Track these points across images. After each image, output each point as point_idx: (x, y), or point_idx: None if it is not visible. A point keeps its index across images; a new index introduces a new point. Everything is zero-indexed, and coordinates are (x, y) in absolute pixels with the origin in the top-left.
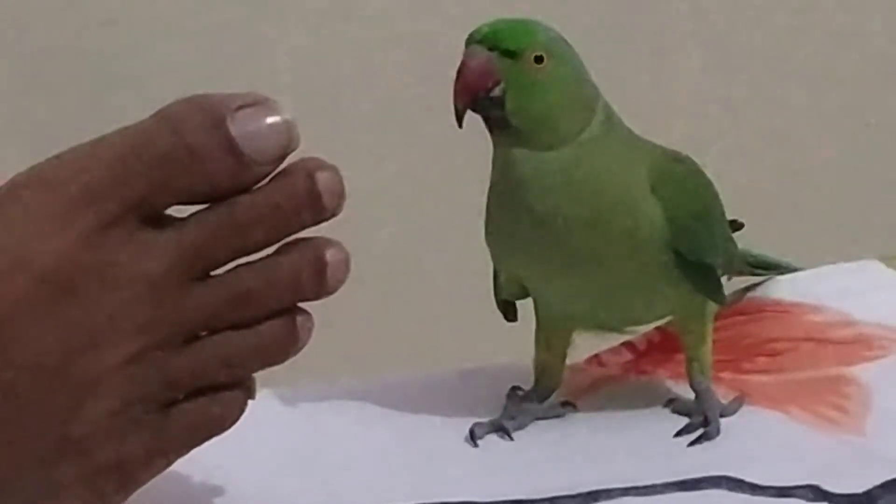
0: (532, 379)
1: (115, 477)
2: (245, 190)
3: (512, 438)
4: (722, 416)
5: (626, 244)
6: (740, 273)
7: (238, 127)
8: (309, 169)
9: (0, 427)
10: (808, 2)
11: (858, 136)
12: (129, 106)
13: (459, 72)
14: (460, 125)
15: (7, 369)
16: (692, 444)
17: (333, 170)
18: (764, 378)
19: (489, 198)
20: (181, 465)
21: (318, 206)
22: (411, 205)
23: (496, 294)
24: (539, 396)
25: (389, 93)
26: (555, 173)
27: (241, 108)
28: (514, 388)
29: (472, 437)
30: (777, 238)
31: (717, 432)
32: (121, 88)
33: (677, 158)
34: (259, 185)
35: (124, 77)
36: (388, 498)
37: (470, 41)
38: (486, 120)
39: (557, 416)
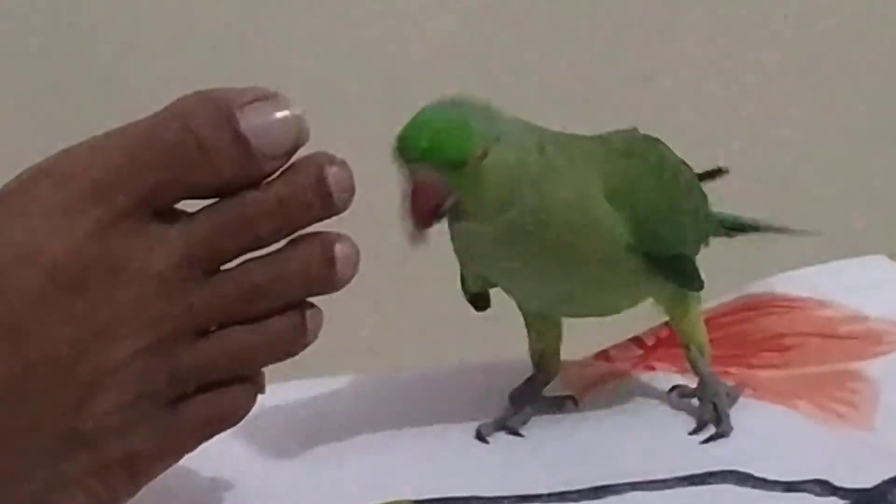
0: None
1: (124, 471)
2: (254, 184)
3: (521, 434)
4: (727, 396)
5: (594, 259)
6: (716, 235)
7: (247, 121)
8: (318, 163)
9: (10, 420)
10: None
11: (865, 133)
12: (136, 102)
13: (411, 200)
14: (423, 241)
15: (17, 363)
16: (706, 441)
17: (343, 164)
18: (772, 373)
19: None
20: (190, 460)
21: (328, 201)
22: None
23: (463, 289)
24: (538, 384)
25: (398, 88)
26: (511, 232)
27: (250, 102)
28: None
29: (481, 437)
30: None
31: (731, 429)
32: (126, 85)
33: (628, 152)
34: (268, 179)
35: (129, 74)
36: (394, 493)
37: (408, 157)
38: None
39: (558, 411)
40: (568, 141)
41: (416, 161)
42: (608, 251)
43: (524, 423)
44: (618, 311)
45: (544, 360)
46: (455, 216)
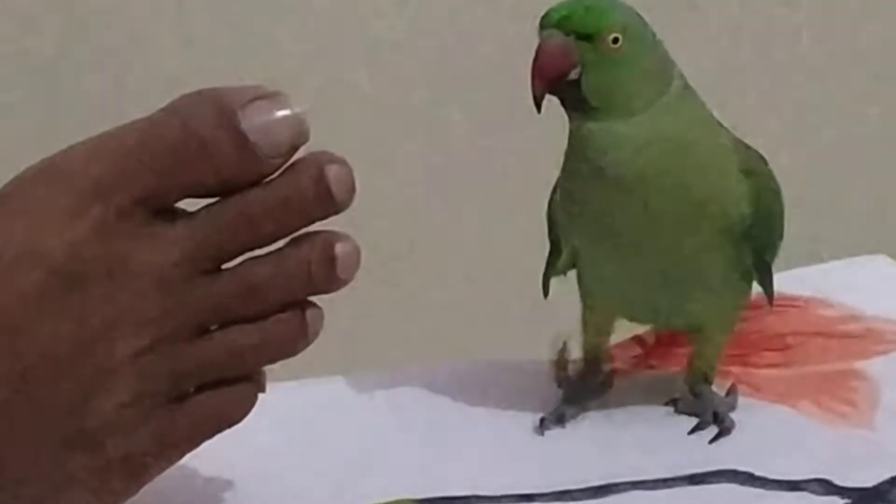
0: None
1: (125, 470)
2: (255, 183)
3: (564, 426)
4: (730, 411)
5: (706, 211)
6: None
7: (248, 120)
8: (319, 162)
9: (11, 420)
10: None
11: (865, 132)
12: (136, 102)
13: (536, 56)
14: (539, 110)
15: (17, 362)
16: (712, 441)
17: (343, 163)
18: (773, 372)
19: (563, 171)
20: (191, 459)
21: (329, 200)
22: (420, 198)
23: (546, 273)
24: (593, 377)
25: (399, 86)
26: (635, 138)
27: (251, 101)
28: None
29: (544, 428)
30: (786, 235)
31: (734, 426)
32: (126, 85)
33: (761, 156)
34: (269, 178)
35: (129, 73)
36: (397, 491)
37: (545, 24)
38: (562, 100)
39: (604, 393)
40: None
41: (551, 27)
42: (724, 222)
43: (576, 416)
44: (678, 316)
45: (597, 354)
46: (581, 108)
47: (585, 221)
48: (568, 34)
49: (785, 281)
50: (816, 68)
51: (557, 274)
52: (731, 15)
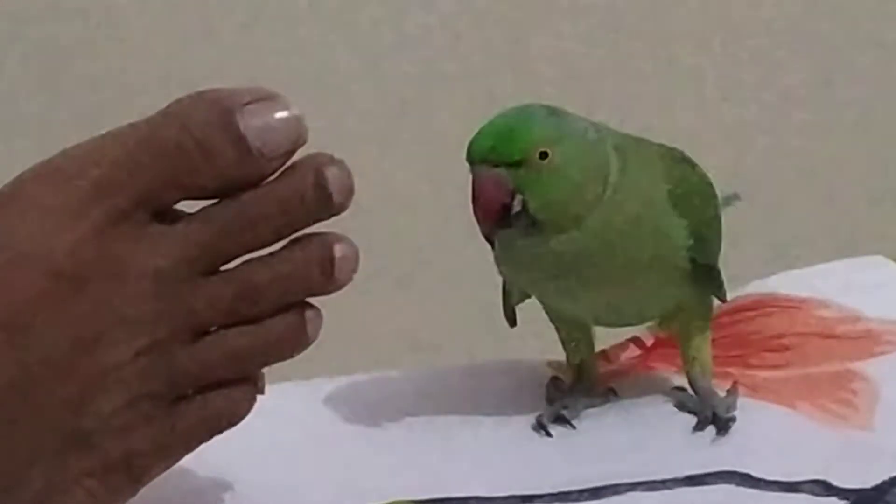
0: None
1: (124, 471)
2: (254, 185)
3: (574, 427)
4: (726, 410)
5: (655, 265)
6: None
7: (247, 122)
8: (317, 164)
9: (10, 421)
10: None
11: (865, 132)
12: (136, 103)
13: (474, 199)
14: (493, 246)
15: (17, 363)
16: (711, 441)
17: (342, 165)
18: (771, 373)
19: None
20: (190, 460)
21: (327, 202)
22: (419, 200)
23: (505, 303)
24: (581, 390)
25: (397, 88)
26: (589, 245)
27: (250, 103)
28: (555, 379)
29: (542, 426)
30: (785, 235)
31: (733, 427)
32: (126, 86)
33: (683, 158)
34: (268, 180)
35: (129, 74)
36: (396, 491)
37: (472, 160)
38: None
39: (605, 403)
40: (636, 144)
41: (479, 162)
42: (671, 258)
43: (575, 417)
44: (642, 321)
45: (586, 368)
46: (529, 228)
47: (533, 283)
48: (497, 166)
49: (785, 281)
50: (818, 68)
51: (518, 303)
52: (736, 10)
